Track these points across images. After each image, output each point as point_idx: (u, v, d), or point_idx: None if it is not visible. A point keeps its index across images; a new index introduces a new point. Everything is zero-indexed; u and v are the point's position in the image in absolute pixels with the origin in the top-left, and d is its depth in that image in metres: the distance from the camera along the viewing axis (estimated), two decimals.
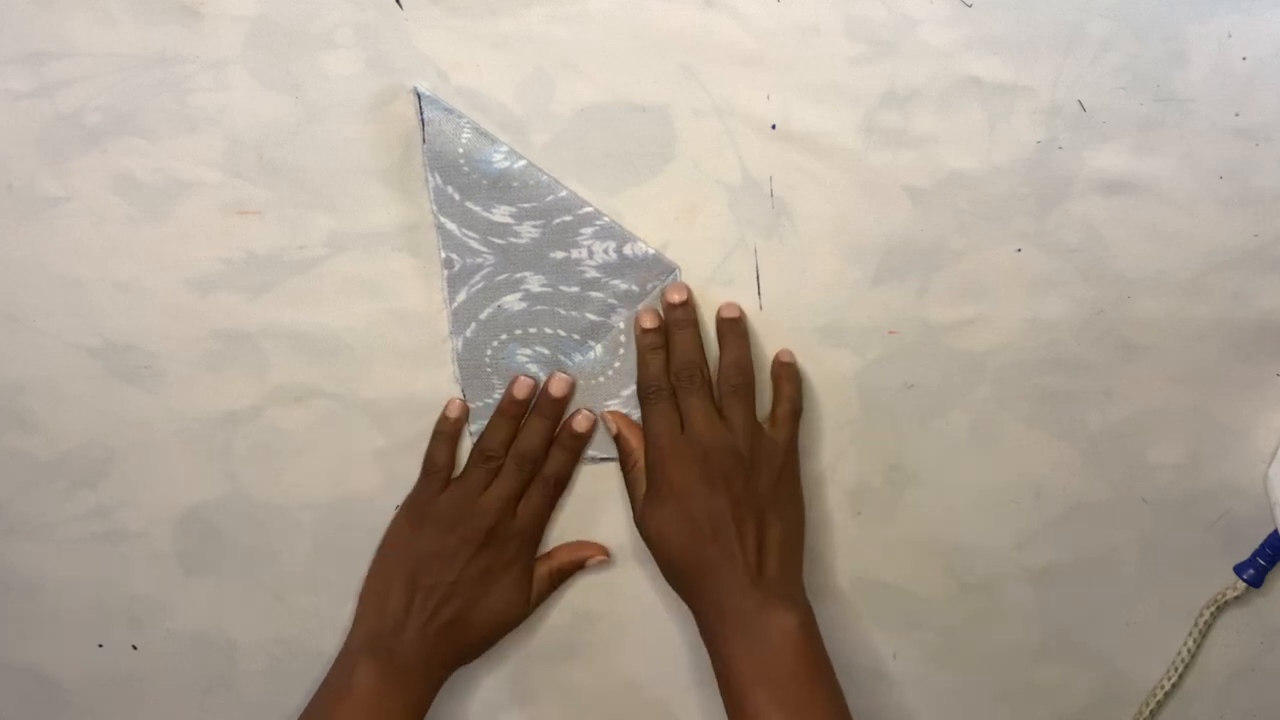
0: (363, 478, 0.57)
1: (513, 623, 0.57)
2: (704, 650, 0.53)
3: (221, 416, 0.56)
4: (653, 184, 0.55)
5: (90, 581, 0.58)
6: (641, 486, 0.55)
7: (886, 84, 0.54)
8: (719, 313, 0.56)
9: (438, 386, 0.56)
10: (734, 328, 0.55)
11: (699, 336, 0.55)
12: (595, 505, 0.59)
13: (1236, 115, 0.55)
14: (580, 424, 0.56)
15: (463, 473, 0.56)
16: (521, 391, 0.55)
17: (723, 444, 0.53)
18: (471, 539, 0.55)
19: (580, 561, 0.58)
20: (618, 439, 0.57)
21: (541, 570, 0.57)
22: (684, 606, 0.55)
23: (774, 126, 0.54)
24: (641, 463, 0.56)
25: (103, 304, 0.55)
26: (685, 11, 0.53)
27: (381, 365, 0.56)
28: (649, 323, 0.55)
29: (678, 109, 0.54)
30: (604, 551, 0.58)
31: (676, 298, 0.55)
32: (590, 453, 0.58)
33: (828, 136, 0.54)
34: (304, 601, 0.58)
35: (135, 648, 0.59)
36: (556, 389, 0.56)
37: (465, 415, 0.56)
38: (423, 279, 0.55)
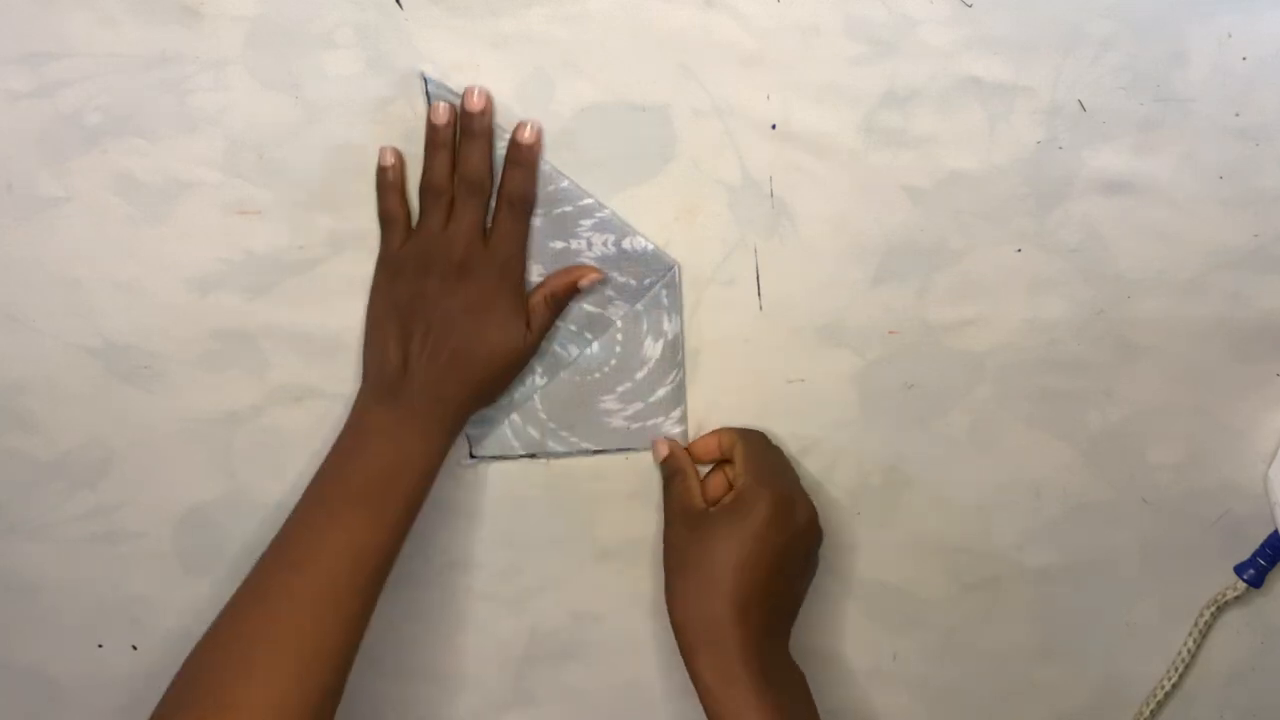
0: None
1: (518, 352, 0.55)
2: None
3: (221, 416, 0.56)
4: (653, 184, 0.55)
5: (90, 581, 0.58)
6: (691, 499, 0.55)
7: (886, 84, 0.54)
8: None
9: None
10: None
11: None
12: (595, 504, 0.59)
13: (1236, 115, 0.55)
14: (526, 135, 0.53)
15: (420, 217, 0.54)
16: (440, 117, 0.53)
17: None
18: (447, 274, 0.53)
19: (573, 282, 0.55)
20: (668, 460, 0.57)
21: (536, 298, 0.55)
22: None
23: (774, 126, 0.54)
24: (694, 485, 0.56)
25: (103, 304, 0.55)
26: (685, 11, 0.53)
27: None
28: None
29: (678, 109, 0.54)
30: (596, 271, 0.55)
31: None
32: (583, 445, 0.58)
33: (828, 136, 0.54)
34: None
35: (135, 648, 0.59)
36: (473, 104, 0.53)
37: (401, 161, 0.54)
38: None
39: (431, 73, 0.52)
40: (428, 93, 0.52)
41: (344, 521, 0.50)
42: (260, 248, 0.54)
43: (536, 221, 0.54)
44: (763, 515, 0.52)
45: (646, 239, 0.55)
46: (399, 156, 0.54)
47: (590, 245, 0.55)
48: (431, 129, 0.53)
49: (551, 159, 0.54)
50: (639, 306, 0.56)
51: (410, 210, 0.54)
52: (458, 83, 0.53)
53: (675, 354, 0.57)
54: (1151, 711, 0.62)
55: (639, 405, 0.57)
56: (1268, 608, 0.61)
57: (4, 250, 0.54)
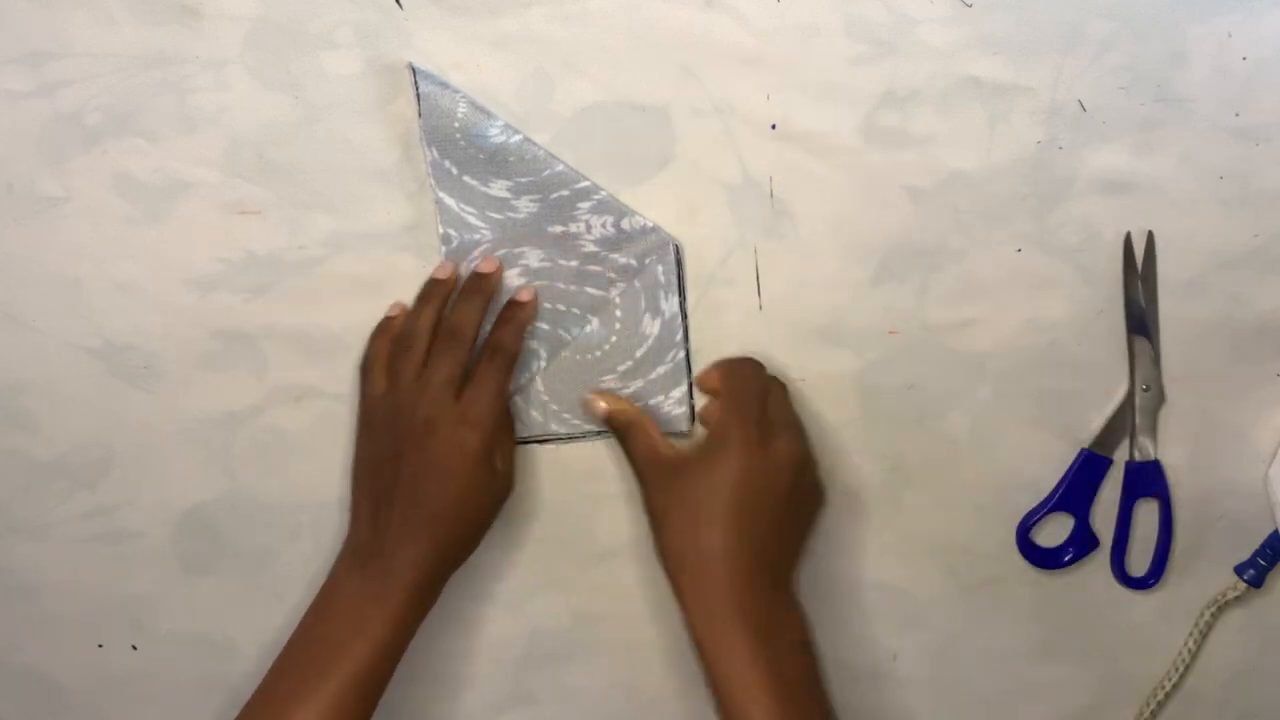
0: None
1: (486, 507, 0.54)
2: None
3: (221, 416, 0.56)
4: (653, 184, 0.55)
5: (90, 581, 0.58)
6: (654, 449, 0.53)
7: (886, 84, 0.54)
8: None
9: None
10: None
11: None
12: (595, 504, 0.59)
13: (1236, 115, 0.55)
14: (524, 294, 0.54)
15: (390, 369, 0.53)
16: (441, 272, 0.53)
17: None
18: (412, 431, 0.51)
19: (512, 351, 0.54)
20: (612, 416, 0.55)
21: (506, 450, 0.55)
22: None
23: (774, 126, 0.54)
24: (654, 433, 0.54)
25: (103, 304, 0.55)
26: (685, 11, 0.53)
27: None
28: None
29: (678, 109, 0.54)
30: (530, 290, 0.55)
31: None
32: (585, 427, 0.57)
33: (828, 136, 0.54)
34: (304, 601, 0.58)
35: (135, 648, 0.59)
36: (485, 266, 0.53)
37: (402, 313, 0.54)
38: (423, 279, 0.55)
39: (420, 64, 0.52)
40: (416, 85, 0.52)
41: (303, 699, 0.49)
42: (260, 248, 0.54)
43: (534, 207, 0.54)
44: (734, 449, 0.50)
45: (645, 218, 0.55)
46: (400, 311, 0.55)
47: (589, 228, 0.55)
48: (430, 282, 0.53)
49: None
50: (636, 283, 0.56)
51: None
52: (457, 82, 0.53)
53: (674, 333, 0.56)
54: (1152, 712, 0.62)
55: (639, 383, 0.57)
56: (1268, 608, 0.61)
57: (4, 250, 0.54)
